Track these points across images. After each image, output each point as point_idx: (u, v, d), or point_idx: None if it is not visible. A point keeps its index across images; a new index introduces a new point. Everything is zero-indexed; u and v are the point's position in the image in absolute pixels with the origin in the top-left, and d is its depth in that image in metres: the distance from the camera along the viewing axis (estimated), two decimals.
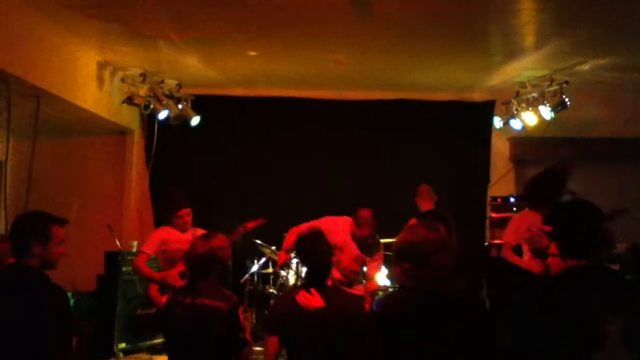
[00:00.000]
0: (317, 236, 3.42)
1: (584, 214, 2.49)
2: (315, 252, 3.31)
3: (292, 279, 6.02)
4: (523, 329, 2.36)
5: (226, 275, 3.30)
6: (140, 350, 6.06)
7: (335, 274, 4.39)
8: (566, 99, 6.36)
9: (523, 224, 4.80)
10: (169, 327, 3.23)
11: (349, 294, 4.01)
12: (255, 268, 6.48)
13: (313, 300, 3.09)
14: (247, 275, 6.52)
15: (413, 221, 5.41)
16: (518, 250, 4.85)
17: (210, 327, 3.00)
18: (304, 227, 5.14)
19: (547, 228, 2.53)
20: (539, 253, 4.50)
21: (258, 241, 6.30)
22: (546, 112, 6.48)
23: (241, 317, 3.07)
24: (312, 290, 3.14)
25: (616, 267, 5.36)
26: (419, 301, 2.37)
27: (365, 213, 4.80)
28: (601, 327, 2.21)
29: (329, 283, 3.31)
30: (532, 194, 4.93)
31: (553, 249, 2.48)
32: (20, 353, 2.57)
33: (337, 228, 4.83)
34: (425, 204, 6.08)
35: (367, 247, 4.89)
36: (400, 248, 2.47)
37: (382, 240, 5.01)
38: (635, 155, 7.65)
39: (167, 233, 5.02)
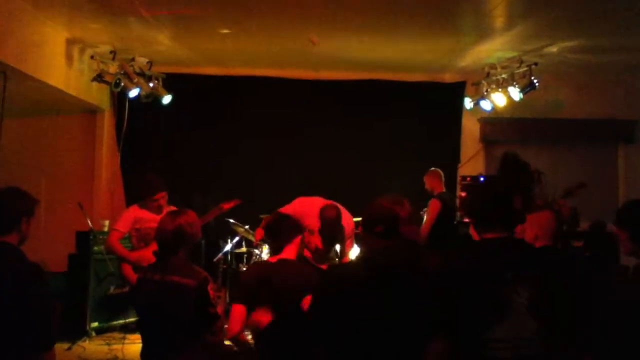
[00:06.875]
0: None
1: (492, 190, 2.62)
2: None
3: (265, 257, 6.06)
4: (446, 297, 2.42)
5: (197, 252, 3.33)
6: (113, 329, 6.06)
7: (306, 253, 4.46)
8: (535, 81, 6.48)
9: None
10: (140, 305, 3.26)
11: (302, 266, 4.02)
12: (228, 247, 6.51)
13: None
14: (220, 254, 6.55)
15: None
16: None
17: (179, 304, 3.02)
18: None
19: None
20: None
21: (231, 220, 6.32)
22: (515, 93, 6.59)
23: (211, 292, 3.08)
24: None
25: (580, 243, 5.53)
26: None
27: (330, 213, 4.50)
28: (509, 297, 2.31)
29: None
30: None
31: None
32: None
33: (310, 212, 4.83)
34: (439, 186, 6.47)
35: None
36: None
37: (355, 219, 5.08)
38: (601, 136, 7.85)
39: (140, 212, 5.00)
